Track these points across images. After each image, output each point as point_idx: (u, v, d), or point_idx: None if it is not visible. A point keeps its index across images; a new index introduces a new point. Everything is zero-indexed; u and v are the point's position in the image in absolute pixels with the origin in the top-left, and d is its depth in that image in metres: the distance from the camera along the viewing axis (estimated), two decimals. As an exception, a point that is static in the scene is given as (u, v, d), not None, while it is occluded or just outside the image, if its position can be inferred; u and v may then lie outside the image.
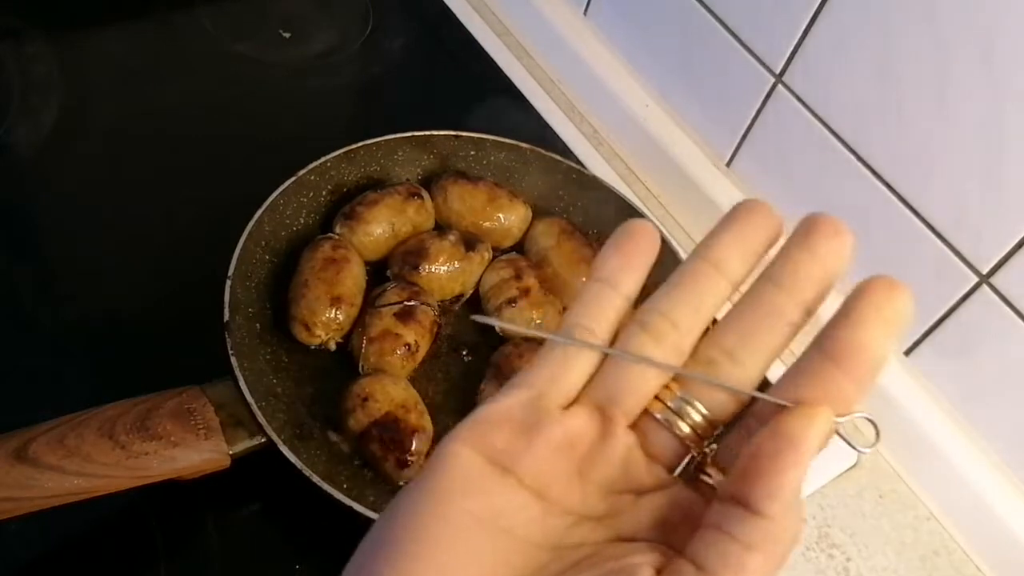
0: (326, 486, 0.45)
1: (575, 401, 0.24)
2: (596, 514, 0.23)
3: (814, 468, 0.58)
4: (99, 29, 0.72)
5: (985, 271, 0.53)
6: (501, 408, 0.23)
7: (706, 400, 0.24)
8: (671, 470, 0.24)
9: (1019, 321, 0.52)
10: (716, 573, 0.20)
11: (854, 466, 0.60)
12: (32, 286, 0.56)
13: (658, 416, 0.24)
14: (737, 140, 0.67)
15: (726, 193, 0.68)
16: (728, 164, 0.68)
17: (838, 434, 0.22)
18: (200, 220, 0.60)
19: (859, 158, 0.58)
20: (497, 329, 0.58)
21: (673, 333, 0.24)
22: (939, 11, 0.50)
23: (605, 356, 0.24)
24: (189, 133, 0.66)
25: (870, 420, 0.23)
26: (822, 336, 0.22)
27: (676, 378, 0.24)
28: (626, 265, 0.24)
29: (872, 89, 0.55)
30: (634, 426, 0.24)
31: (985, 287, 0.53)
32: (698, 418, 0.24)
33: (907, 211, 0.56)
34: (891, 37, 0.53)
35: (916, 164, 0.55)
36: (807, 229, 0.24)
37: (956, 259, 0.54)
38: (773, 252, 0.25)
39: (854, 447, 0.23)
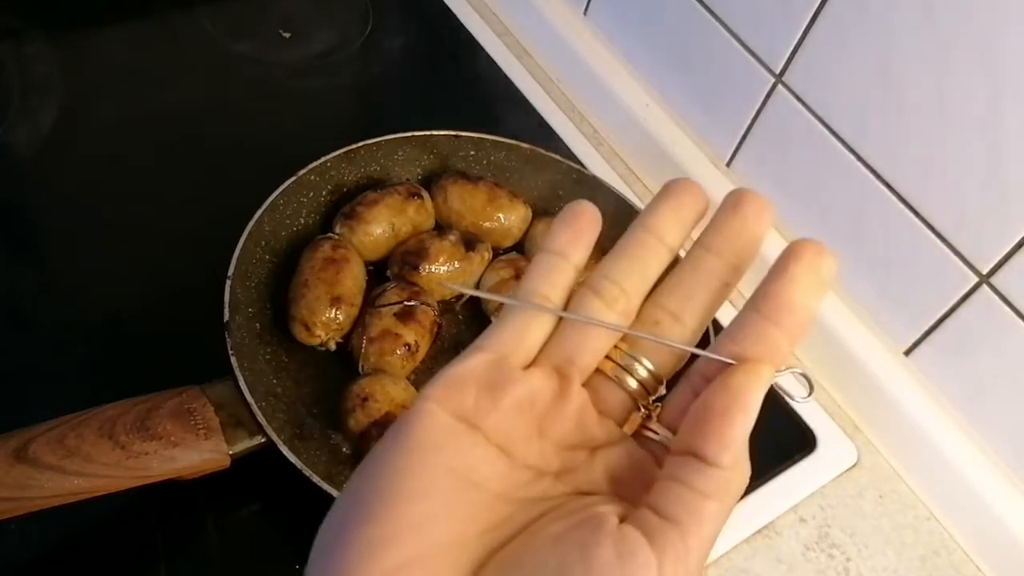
0: (326, 486, 0.45)
1: (534, 362, 0.26)
2: (553, 469, 0.25)
3: (814, 469, 0.57)
4: (99, 29, 0.72)
5: (985, 271, 0.53)
6: (467, 368, 0.24)
7: (652, 358, 0.26)
8: (621, 425, 0.26)
9: (1019, 321, 0.52)
10: (677, 519, 0.22)
11: (854, 466, 0.60)
12: (32, 286, 0.56)
13: (609, 373, 0.26)
14: (737, 140, 0.67)
15: (725, 193, 0.67)
16: (728, 164, 0.68)
17: (776, 386, 0.24)
18: (200, 220, 0.60)
19: (859, 158, 0.58)
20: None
21: (622, 297, 0.26)
22: (939, 11, 0.50)
23: (560, 319, 0.26)
24: (189, 133, 0.66)
25: (804, 375, 0.26)
26: (757, 296, 0.24)
27: (625, 338, 0.26)
28: (575, 239, 0.26)
29: (872, 89, 0.55)
30: (587, 384, 0.26)
31: (985, 287, 0.53)
32: (645, 374, 0.26)
33: (907, 211, 0.56)
34: (891, 37, 0.53)
35: (916, 164, 0.55)
36: (736, 202, 0.26)
37: (956, 259, 0.54)
38: (703, 224, 0.28)
39: (791, 397, 0.25)
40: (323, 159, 0.59)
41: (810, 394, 0.25)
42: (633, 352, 0.26)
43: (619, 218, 0.63)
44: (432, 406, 0.24)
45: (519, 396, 0.24)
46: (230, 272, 0.52)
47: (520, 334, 0.25)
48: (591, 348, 0.26)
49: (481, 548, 0.22)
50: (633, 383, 0.26)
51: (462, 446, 0.23)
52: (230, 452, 0.46)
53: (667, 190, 0.27)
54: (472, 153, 0.64)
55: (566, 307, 0.26)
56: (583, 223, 0.26)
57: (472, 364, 0.24)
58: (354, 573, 0.21)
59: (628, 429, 0.26)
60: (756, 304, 0.24)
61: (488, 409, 0.24)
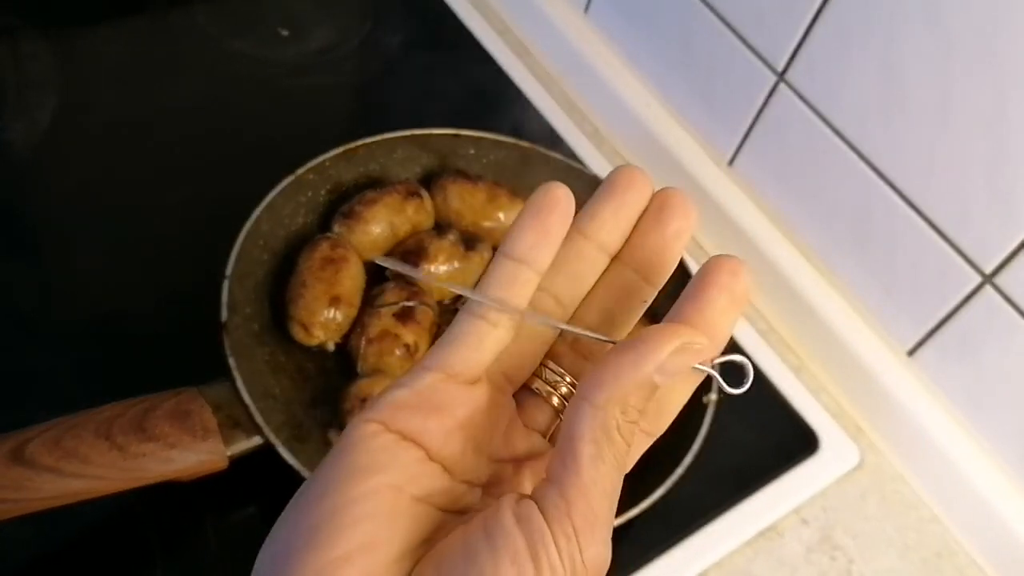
0: (324, 488, 0.45)
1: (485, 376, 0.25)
2: (483, 482, 0.25)
3: (816, 470, 0.56)
4: (96, 27, 0.71)
5: (988, 271, 0.53)
6: (413, 390, 0.24)
7: (576, 374, 0.26)
8: (546, 437, 0.26)
9: (1022, 321, 0.52)
10: (554, 475, 0.22)
11: (857, 467, 0.60)
12: (28, 286, 0.56)
13: (535, 388, 0.26)
14: (739, 139, 0.66)
15: (728, 192, 0.67)
16: (730, 163, 0.68)
17: (713, 376, 0.24)
18: (197, 219, 0.60)
19: (861, 157, 0.58)
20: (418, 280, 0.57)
21: (558, 309, 0.26)
22: (943, 8, 0.49)
23: (511, 333, 0.25)
24: (186, 131, 0.66)
25: (741, 365, 0.25)
26: (673, 315, 0.24)
27: (550, 355, 0.26)
28: (541, 241, 0.24)
29: (875, 87, 0.55)
30: (514, 396, 0.26)
31: (988, 287, 0.53)
32: (566, 391, 0.26)
33: (910, 210, 0.56)
34: (894, 35, 0.53)
35: (919, 163, 0.54)
36: (659, 208, 0.25)
37: (959, 259, 0.54)
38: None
39: (725, 389, 0.24)
40: (322, 158, 0.59)
41: (748, 385, 0.24)
42: (558, 369, 0.26)
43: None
44: (375, 427, 0.23)
45: (461, 416, 0.24)
46: (228, 272, 0.52)
47: (471, 353, 0.24)
48: (528, 364, 0.26)
49: (419, 556, 0.23)
50: (556, 399, 0.26)
51: (405, 464, 0.23)
52: (228, 453, 0.45)
53: (609, 186, 0.25)
54: (472, 152, 0.64)
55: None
56: (553, 220, 0.24)
57: (418, 385, 0.24)
58: None
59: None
60: (672, 320, 0.24)
61: (433, 430, 0.24)
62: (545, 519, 0.21)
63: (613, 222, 0.25)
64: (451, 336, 0.25)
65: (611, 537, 0.23)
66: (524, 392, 0.26)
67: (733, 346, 0.63)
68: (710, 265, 0.24)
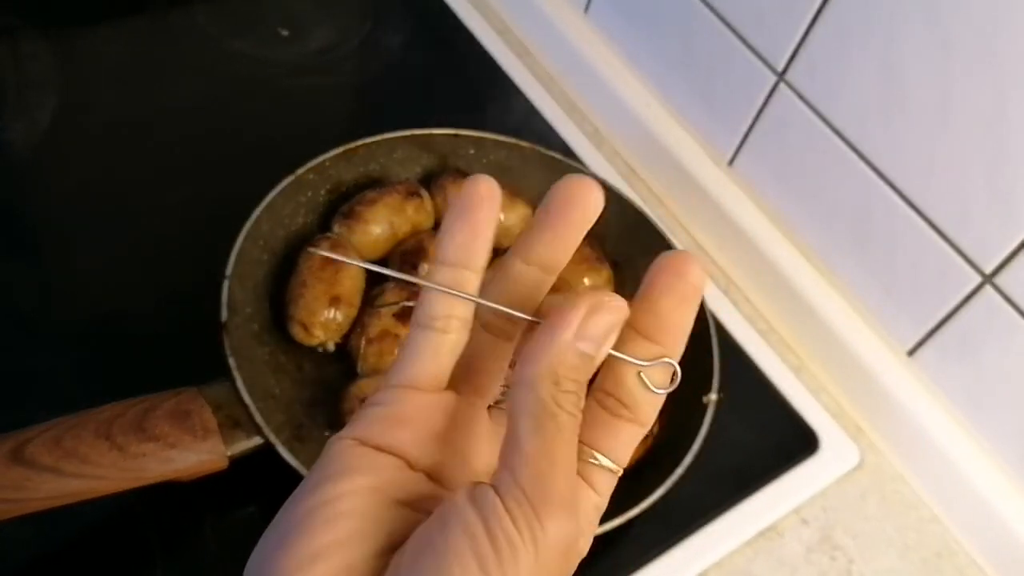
0: (324, 488, 0.45)
1: (456, 383, 0.26)
2: (456, 486, 0.25)
3: (816, 470, 0.56)
4: (96, 27, 0.71)
5: (988, 271, 0.53)
6: (380, 408, 0.25)
7: None
8: None
9: (1022, 321, 0.52)
10: (504, 459, 0.22)
11: (857, 467, 0.60)
12: (28, 286, 0.56)
13: (503, 406, 0.26)
14: (739, 139, 0.66)
15: (728, 192, 0.67)
16: (730, 163, 0.68)
17: (640, 377, 0.24)
18: (197, 219, 0.60)
19: (862, 157, 0.58)
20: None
21: (514, 329, 0.26)
22: (943, 8, 0.49)
23: (468, 335, 0.25)
24: (186, 131, 0.66)
25: (672, 365, 0.24)
26: (632, 314, 0.24)
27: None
28: (471, 240, 0.24)
29: (875, 87, 0.55)
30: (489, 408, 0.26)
31: (988, 287, 0.53)
32: None
33: (910, 210, 0.56)
34: (894, 34, 0.53)
35: (919, 163, 0.54)
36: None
37: (959, 259, 0.54)
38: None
39: (652, 388, 0.24)
40: (322, 158, 0.59)
41: (674, 385, 0.24)
42: None
43: (620, 218, 0.63)
44: (349, 441, 0.24)
45: (434, 425, 0.25)
46: (228, 272, 0.52)
47: (428, 362, 0.25)
48: (493, 376, 0.26)
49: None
50: None
51: (384, 468, 0.24)
52: (228, 453, 0.45)
53: (554, 208, 0.24)
54: (472, 152, 0.64)
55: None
56: (479, 219, 0.24)
57: (386, 400, 0.25)
58: None
59: None
60: (632, 322, 0.24)
61: (406, 440, 0.24)
62: (497, 495, 0.21)
63: (554, 245, 0.25)
64: (407, 351, 0.25)
65: (593, 520, 0.24)
66: (497, 411, 0.27)
67: (732, 346, 0.63)
68: (657, 266, 0.24)
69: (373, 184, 0.61)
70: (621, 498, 0.49)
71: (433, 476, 0.25)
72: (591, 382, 0.24)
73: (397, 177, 0.62)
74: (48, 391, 0.51)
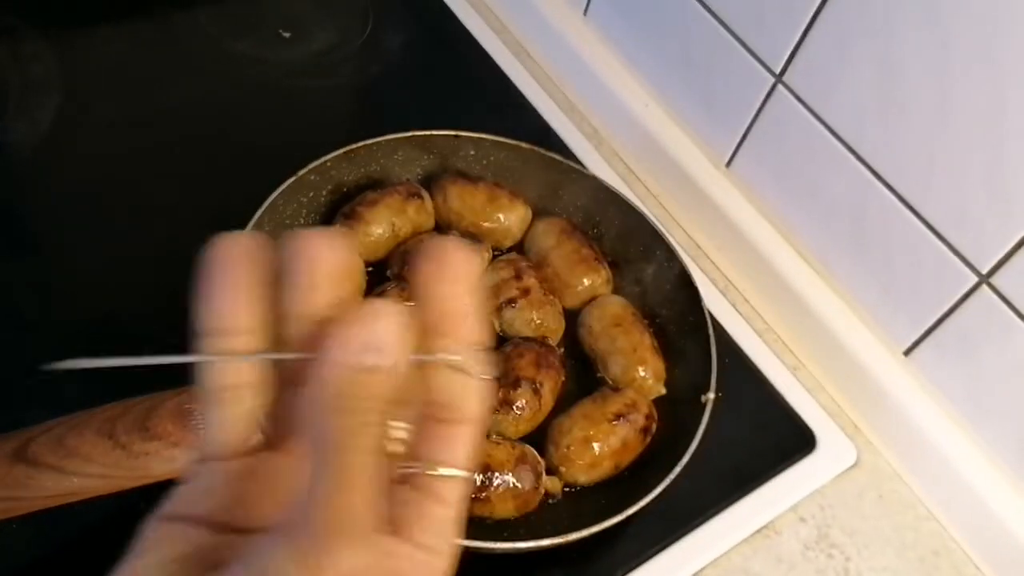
0: (326, 486, 0.45)
1: (275, 443, 0.24)
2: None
3: (814, 469, 0.56)
4: (97, 28, 0.72)
5: (985, 271, 0.53)
6: (185, 486, 0.24)
7: None
8: None
9: (1018, 321, 0.52)
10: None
11: (854, 466, 0.60)
12: (31, 286, 0.56)
13: None
14: (737, 140, 0.67)
15: (726, 193, 0.68)
16: (728, 164, 0.68)
17: (448, 373, 0.23)
18: (200, 219, 0.60)
19: (859, 158, 0.58)
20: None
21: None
22: (940, 10, 0.50)
23: (266, 389, 0.24)
24: (188, 132, 0.66)
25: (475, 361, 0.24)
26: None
27: None
28: (231, 304, 0.23)
29: (872, 89, 0.55)
30: None
31: (985, 287, 0.53)
32: None
33: (907, 211, 0.56)
34: (892, 37, 0.53)
35: (916, 164, 0.55)
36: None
37: (956, 259, 0.54)
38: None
39: (468, 373, 0.24)
40: (323, 159, 0.59)
41: (486, 374, 0.24)
42: None
43: (619, 218, 0.63)
44: (154, 520, 0.24)
45: (241, 488, 0.24)
46: (230, 272, 0.52)
47: (226, 435, 0.24)
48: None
49: None
50: None
51: (193, 537, 0.23)
52: (230, 452, 0.45)
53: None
54: (472, 153, 0.64)
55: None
56: (229, 278, 0.22)
57: (188, 477, 0.24)
58: None
59: None
60: (423, 325, 0.23)
61: (210, 507, 0.23)
62: (280, 537, 0.20)
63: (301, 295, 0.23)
64: (205, 425, 0.24)
65: (445, 532, 0.23)
66: None
67: (730, 345, 0.63)
68: (419, 259, 0.23)
69: (374, 185, 0.61)
70: (620, 496, 0.49)
71: (250, 531, 0.24)
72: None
73: (398, 178, 0.63)
74: (50, 390, 0.52)
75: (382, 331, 0.20)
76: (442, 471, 0.23)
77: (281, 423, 0.24)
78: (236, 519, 0.23)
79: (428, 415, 0.24)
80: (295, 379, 0.23)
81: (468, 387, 0.23)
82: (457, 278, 0.23)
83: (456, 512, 0.24)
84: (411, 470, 0.23)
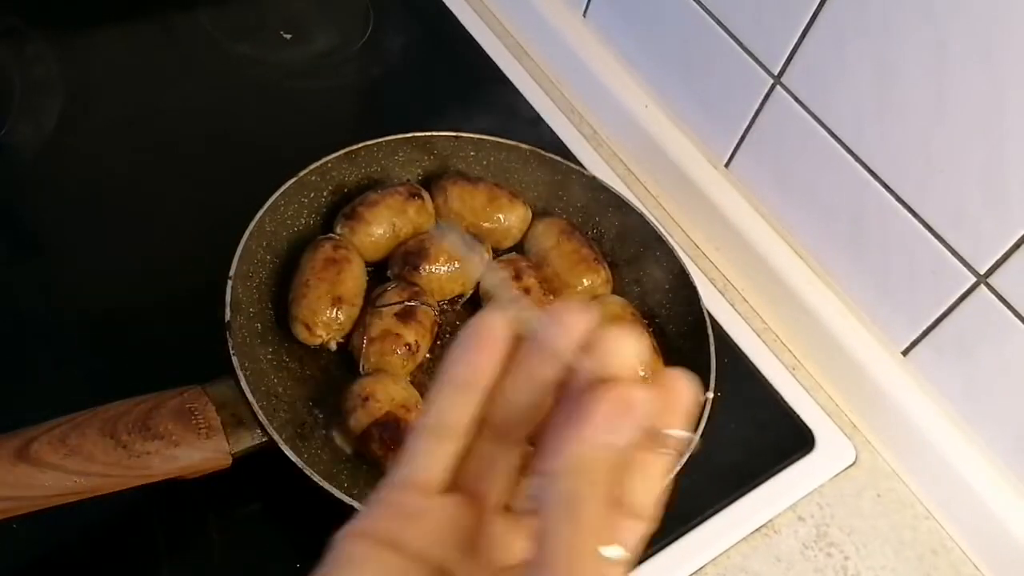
0: (327, 485, 0.45)
1: (455, 488, 0.27)
2: None
3: (812, 468, 0.56)
4: (99, 30, 0.72)
5: (983, 271, 0.53)
6: (383, 507, 0.26)
7: None
8: None
9: (1016, 321, 0.52)
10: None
11: (852, 465, 0.60)
12: (33, 286, 0.56)
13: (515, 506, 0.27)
14: (736, 141, 0.67)
15: (725, 194, 0.68)
16: (727, 165, 0.69)
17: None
18: (201, 220, 0.60)
19: (857, 159, 0.58)
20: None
21: (521, 431, 0.27)
22: (938, 11, 0.50)
23: (464, 444, 0.26)
24: (190, 134, 0.66)
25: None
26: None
27: (526, 469, 0.27)
28: (482, 363, 0.26)
29: (870, 89, 0.56)
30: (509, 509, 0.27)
31: (983, 287, 0.54)
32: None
33: (905, 211, 0.56)
34: (889, 38, 0.53)
35: (914, 164, 0.55)
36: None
37: (954, 259, 0.54)
38: None
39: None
40: (324, 160, 0.59)
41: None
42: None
43: (618, 218, 0.63)
44: (356, 537, 0.25)
45: (437, 522, 0.25)
46: (231, 272, 0.52)
47: (429, 465, 0.26)
48: (502, 473, 0.27)
49: None
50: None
51: (387, 562, 0.24)
52: (231, 451, 0.46)
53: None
54: (472, 154, 0.64)
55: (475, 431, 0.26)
56: (483, 349, 0.26)
57: (388, 499, 0.26)
58: None
59: None
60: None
61: (408, 537, 0.25)
62: None
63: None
64: (410, 452, 0.26)
65: None
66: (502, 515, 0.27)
67: (728, 344, 0.64)
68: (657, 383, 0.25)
69: (375, 185, 0.61)
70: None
71: (441, 569, 0.25)
72: None
73: (398, 178, 0.63)
74: (53, 390, 0.52)
75: (628, 426, 0.24)
76: (611, 552, 0.25)
77: (469, 474, 0.27)
78: (435, 555, 0.25)
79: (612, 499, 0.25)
80: (499, 431, 0.26)
81: (654, 487, 0.25)
82: (681, 411, 0.25)
83: None
84: None
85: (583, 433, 0.23)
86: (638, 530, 0.26)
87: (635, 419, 0.24)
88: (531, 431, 0.26)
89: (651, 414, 0.24)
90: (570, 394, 0.25)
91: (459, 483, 0.27)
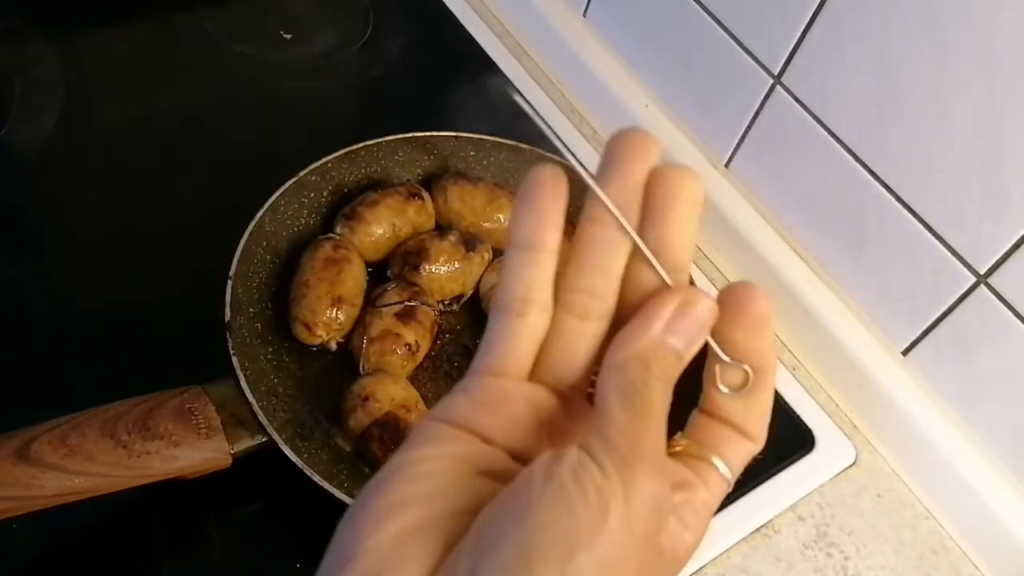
0: (327, 485, 0.45)
1: (537, 375, 0.25)
2: None
3: (812, 468, 0.56)
4: (100, 29, 0.72)
5: (983, 271, 0.53)
6: (464, 395, 0.25)
7: None
8: None
9: (1016, 321, 0.52)
10: (587, 448, 0.22)
11: (852, 465, 0.60)
12: (33, 286, 0.56)
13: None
14: (735, 141, 0.67)
15: (724, 194, 0.68)
16: (726, 165, 0.69)
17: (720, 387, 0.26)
18: (201, 220, 0.60)
19: (857, 159, 0.58)
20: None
21: (594, 302, 0.25)
22: (937, 11, 0.50)
23: (550, 319, 0.25)
24: (190, 134, 0.67)
25: None
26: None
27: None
28: (539, 224, 0.25)
29: (870, 89, 0.56)
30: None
31: (983, 287, 0.54)
32: None
33: (905, 212, 0.56)
34: (889, 38, 0.53)
35: (914, 164, 0.55)
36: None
37: (954, 259, 0.54)
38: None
39: (720, 387, 0.26)
40: (324, 160, 0.59)
41: (744, 389, 0.26)
42: None
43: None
44: (432, 422, 0.24)
45: (520, 410, 0.25)
46: (231, 272, 0.52)
47: (509, 348, 0.25)
48: (582, 366, 0.26)
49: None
50: None
51: (468, 442, 0.24)
52: (231, 451, 0.46)
53: (610, 159, 0.25)
54: (472, 154, 0.64)
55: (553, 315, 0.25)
56: (544, 201, 0.24)
57: (470, 387, 0.25)
58: (365, 534, 0.22)
59: None
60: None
61: (490, 424, 0.24)
62: (586, 452, 0.21)
63: (622, 199, 0.24)
64: (486, 337, 0.25)
65: (702, 515, 0.24)
66: (583, 402, 0.26)
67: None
68: (721, 299, 0.25)
69: (375, 185, 0.61)
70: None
71: (516, 457, 0.24)
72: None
73: (398, 179, 0.63)
74: (53, 390, 0.52)
75: (694, 325, 0.24)
76: (717, 462, 0.25)
77: (548, 354, 0.25)
78: (511, 440, 0.24)
79: (717, 413, 0.26)
80: (573, 308, 0.25)
81: (762, 412, 0.25)
82: (758, 326, 0.25)
83: (714, 508, 0.25)
84: (689, 449, 0.25)
85: (648, 330, 0.23)
86: (745, 449, 0.26)
87: (696, 326, 0.24)
88: (611, 311, 0.25)
89: (710, 324, 0.24)
90: (641, 285, 0.25)
91: (543, 366, 0.25)
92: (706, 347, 0.25)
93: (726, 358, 0.25)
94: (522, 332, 0.25)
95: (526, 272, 0.25)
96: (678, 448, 0.26)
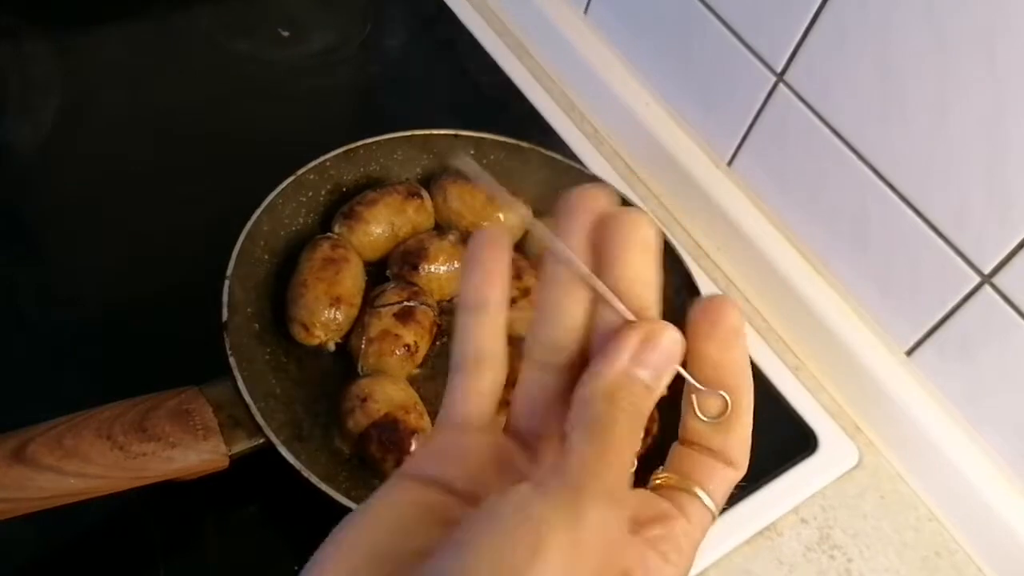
0: (325, 487, 0.45)
1: (507, 425, 0.26)
2: None
3: (815, 470, 0.56)
4: (98, 28, 0.72)
5: (987, 271, 0.53)
6: (427, 450, 0.25)
7: None
8: None
9: (1021, 321, 0.52)
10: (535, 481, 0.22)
11: (856, 467, 0.60)
12: (30, 286, 0.56)
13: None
14: (738, 139, 0.66)
15: (727, 193, 0.67)
16: (729, 163, 0.68)
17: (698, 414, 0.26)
18: (199, 219, 0.60)
19: (860, 157, 0.58)
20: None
21: (555, 355, 0.26)
22: (940, 9, 0.50)
23: (506, 368, 0.26)
24: (188, 132, 0.66)
25: None
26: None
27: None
28: (485, 279, 0.26)
29: (873, 88, 0.55)
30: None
31: (987, 287, 0.53)
32: None
33: (909, 211, 0.56)
34: (893, 35, 0.53)
35: (918, 163, 0.55)
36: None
37: (958, 259, 0.54)
38: None
39: (699, 416, 0.26)
40: (322, 158, 0.59)
41: (725, 415, 0.26)
42: None
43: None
44: (400, 475, 0.25)
45: (482, 460, 0.25)
46: (229, 272, 0.52)
47: (468, 404, 0.25)
48: (543, 414, 0.26)
49: None
50: None
51: (430, 492, 0.24)
52: (229, 453, 0.46)
53: (562, 213, 0.26)
54: (472, 153, 0.64)
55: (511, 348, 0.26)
56: (487, 261, 0.26)
57: (432, 442, 0.25)
58: (324, 572, 0.22)
59: None
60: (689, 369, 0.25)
61: (455, 475, 0.24)
62: (539, 486, 0.21)
63: (577, 245, 0.25)
64: (446, 393, 0.26)
65: (684, 549, 0.24)
66: None
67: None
68: (693, 313, 0.25)
69: (373, 184, 0.61)
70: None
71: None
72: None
73: (397, 177, 0.63)
74: (49, 391, 0.52)
75: (661, 356, 0.24)
76: (700, 493, 0.25)
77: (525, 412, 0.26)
78: (477, 489, 0.24)
79: (697, 442, 0.26)
80: (546, 366, 0.26)
81: (742, 437, 0.26)
82: (730, 341, 0.25)
83: (698, 540, 0.25)
84: (669, 481, 0.26)
85: (611, 364, 0.23)
86: (727, 477, 0.26)
87: (663, 357, 0.24)
88: (575, 360, 0.25)
89: (678, 354, 0.24)
90: (604, 327, 0.25)
91: (512, 415, 0.26)
92: (682, 378, 0.25)
93: (701, 387, 0.25)
94: (479, 386, 0.26)
95: (476, 331, 0.26)
96: (658, 481, 0.26)
